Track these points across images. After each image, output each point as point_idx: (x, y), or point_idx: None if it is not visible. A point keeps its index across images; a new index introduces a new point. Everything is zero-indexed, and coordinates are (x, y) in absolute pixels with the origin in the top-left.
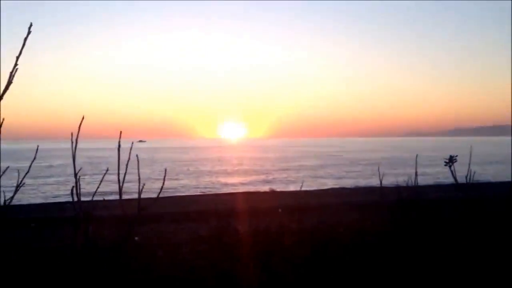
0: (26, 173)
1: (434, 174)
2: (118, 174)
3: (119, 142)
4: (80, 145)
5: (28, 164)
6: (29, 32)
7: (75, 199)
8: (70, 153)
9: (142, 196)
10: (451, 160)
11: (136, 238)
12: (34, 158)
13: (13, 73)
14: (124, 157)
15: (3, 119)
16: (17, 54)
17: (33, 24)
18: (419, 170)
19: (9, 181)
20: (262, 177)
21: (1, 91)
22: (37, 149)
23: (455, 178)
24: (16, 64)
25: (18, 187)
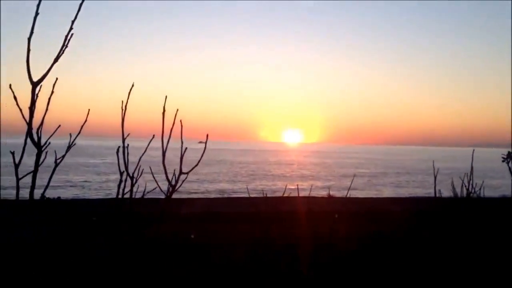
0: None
1: (500, 186)
2: (165, 169)
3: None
4: (141, 144)
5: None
6: None
7: (121, 157)
8: (130, 152)
9: (204, 196)
10: (509, 156)
11: (192, 236)
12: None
13: (68, 37)
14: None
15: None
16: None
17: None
18: (485, 182)
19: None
20: (320, 182)
21: (57, 55)
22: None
23: None
24: (71, 28)
25: (69, 147)
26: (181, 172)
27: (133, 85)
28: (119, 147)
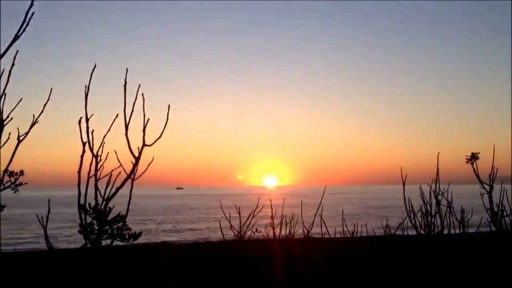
0: None
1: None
2: None
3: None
4: (122, 191)
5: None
6: None
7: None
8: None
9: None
10: (473, 157)
11: (172, 282)
12: None
13: (29, 15)
14: (161, 203)
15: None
16: None
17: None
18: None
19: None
20: (299, 223)
21: None
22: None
23: (477, 175)
24: (31, 5)
25: (33, 124)
26: (144, 144)
27: (95, 66)
28: (81, 118)
